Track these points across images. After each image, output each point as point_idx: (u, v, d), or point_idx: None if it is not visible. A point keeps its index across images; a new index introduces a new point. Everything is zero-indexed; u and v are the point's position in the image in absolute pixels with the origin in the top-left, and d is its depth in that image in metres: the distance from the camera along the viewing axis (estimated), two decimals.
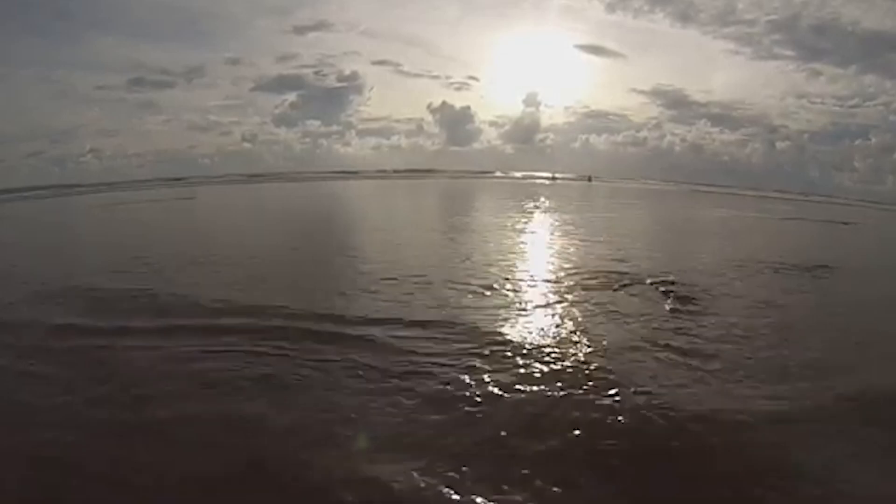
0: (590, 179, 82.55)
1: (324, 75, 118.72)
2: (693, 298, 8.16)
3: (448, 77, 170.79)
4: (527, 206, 28.22)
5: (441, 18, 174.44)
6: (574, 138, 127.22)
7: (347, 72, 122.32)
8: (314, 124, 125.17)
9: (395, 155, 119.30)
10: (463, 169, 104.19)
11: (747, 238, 18.45)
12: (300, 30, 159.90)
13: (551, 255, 12.70)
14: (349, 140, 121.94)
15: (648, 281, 9.25)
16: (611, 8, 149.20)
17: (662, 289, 8.72)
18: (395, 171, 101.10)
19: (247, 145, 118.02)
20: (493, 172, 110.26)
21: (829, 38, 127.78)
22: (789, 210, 37.40)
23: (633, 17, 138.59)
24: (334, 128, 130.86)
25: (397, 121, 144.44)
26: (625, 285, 9.10)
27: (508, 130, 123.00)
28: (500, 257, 11.84)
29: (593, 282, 9.34)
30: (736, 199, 50.40)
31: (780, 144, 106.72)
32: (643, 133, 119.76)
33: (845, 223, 27.72)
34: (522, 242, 14.82)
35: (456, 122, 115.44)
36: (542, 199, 34.27)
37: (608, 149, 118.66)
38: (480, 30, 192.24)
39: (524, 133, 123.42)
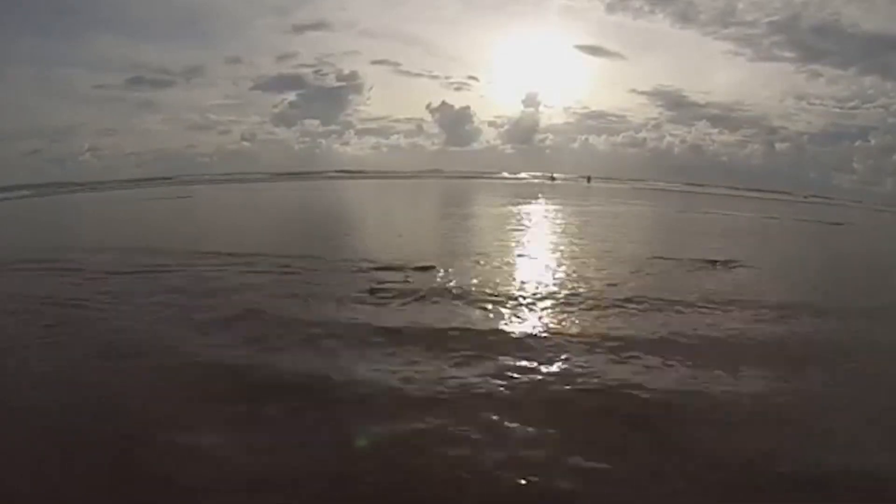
0: (589, 180, 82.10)
1: (323, 75, 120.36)
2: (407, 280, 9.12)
3: (448, 77, 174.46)
4: (499, 205, 29.28)
5: (441, 18, 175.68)
6: (573, 139, 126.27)
7: (347, 71, 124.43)
8: (313, 124, 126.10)
9: (395, 155, 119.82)
10: (470, 170, 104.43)
11: (667, 234, 19.13)
12: (299, 29, 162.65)
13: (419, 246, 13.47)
14: (348, 140, 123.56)
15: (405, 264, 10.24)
16: (611, 8, 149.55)
17: (405, 273, 9.68)
18: (421, 171, 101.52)
19: (246, 144, 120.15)
20: (499, 173, 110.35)
21: (830, 39, 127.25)
22: (775, 209, 36.89)
23: (633, 18, 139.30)
24: (333, 127, 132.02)
25: (396, 120, 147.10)
26: (383, 268, 10.04)
27: (508, 131, 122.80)
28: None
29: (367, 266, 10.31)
30: (721, 200, 49.67)
31: (779, 146, 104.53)
32: (643, 134, 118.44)
33: (833, 223, 27.66)
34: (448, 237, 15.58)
35: (455, 122, 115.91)
36: (528, 199, 34.86)
37: (607, 149, 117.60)
38: (480, 30, 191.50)
39: (523, 133, 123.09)
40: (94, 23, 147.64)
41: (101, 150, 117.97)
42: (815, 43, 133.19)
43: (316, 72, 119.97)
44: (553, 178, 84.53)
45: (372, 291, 8.38)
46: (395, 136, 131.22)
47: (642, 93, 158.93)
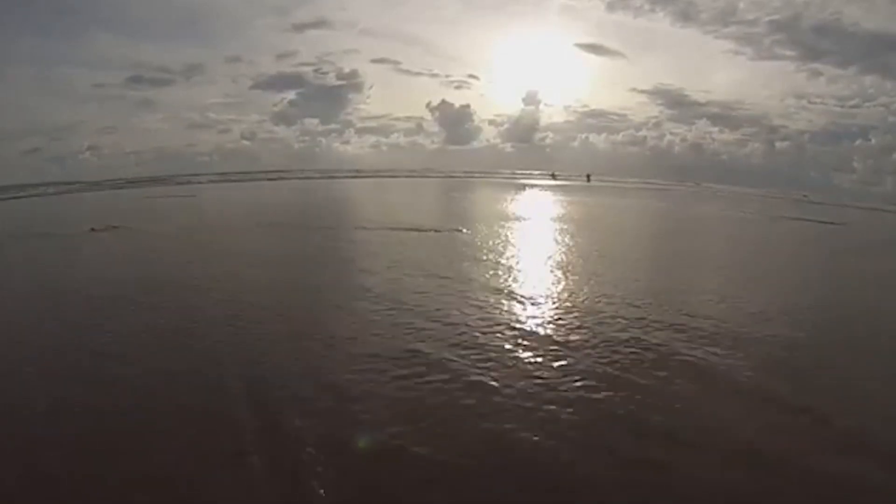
0: (588, 178, 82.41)
1: (323, 73, 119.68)
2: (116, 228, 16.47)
3: (448, 75, 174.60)
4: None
5: (441, 17, 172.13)
6: (574, 137, 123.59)
7: (347, 70, 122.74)
8: (313, 122, 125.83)
9: (395, 154, 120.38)
10: (469, 169, 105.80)
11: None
12: (299, 27, 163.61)
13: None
14: (348, 138, 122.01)
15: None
16: (611, 7, 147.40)
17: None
18: (416, 171, 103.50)
19: (246, 143, 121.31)
20: (524, 172, 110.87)
21: (830, 38, 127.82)
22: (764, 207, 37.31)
23: (633, 17, 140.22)
24: (333, 126, 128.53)
25: (396, 119, 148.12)
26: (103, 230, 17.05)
27: (508, 129, 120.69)
28: None
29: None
30: (708, 198, 49.56)
31: (779, 144, 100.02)
32: (643, 132, 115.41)
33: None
34: None
35: (455, 121, 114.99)
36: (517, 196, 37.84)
37: (608, 148, 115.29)
38: (480, 28, 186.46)
39: (524, 132, 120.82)
40: (94, 22, 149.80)
41: (100, 148, 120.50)
42: (815, 42, 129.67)
43: (316, 70, 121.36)
44: (554, 177, 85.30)
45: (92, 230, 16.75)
46: (395, 134, 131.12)
47: (643, 91, 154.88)
